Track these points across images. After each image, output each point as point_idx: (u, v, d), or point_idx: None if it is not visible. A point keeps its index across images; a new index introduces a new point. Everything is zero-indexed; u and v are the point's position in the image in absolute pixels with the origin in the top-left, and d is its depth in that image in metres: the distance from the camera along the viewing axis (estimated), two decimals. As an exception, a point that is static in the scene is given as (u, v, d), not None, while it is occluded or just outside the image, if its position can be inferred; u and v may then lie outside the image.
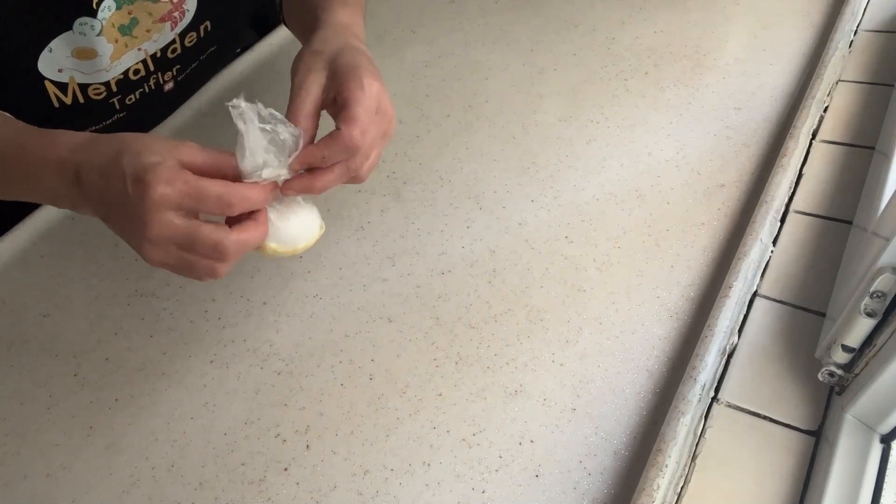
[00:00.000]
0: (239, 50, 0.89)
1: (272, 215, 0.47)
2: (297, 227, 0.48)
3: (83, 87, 0.66)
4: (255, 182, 0.44)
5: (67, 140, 0.46)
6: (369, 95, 0.46)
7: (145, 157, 0.42)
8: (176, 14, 0.68)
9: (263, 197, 0.44)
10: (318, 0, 0.58)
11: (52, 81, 0.63)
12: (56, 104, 0.65)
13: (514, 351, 0.56)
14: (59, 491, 0.51)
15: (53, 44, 0.60)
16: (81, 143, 0.45)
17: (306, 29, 0.57)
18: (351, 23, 0.54)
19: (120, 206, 0.43)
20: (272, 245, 0.48)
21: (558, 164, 0.70)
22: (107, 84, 0.67)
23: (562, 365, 0.54)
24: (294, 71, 0.48)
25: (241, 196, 0.43)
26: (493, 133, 0.75)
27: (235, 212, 0.43)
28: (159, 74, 0.73)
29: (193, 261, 0.44)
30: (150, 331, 0.60)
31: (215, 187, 0.42)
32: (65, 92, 0.65)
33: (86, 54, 0.63)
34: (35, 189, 0.48)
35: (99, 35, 0.62)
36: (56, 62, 0.62)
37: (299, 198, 0.49)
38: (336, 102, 0.47)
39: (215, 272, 0.44)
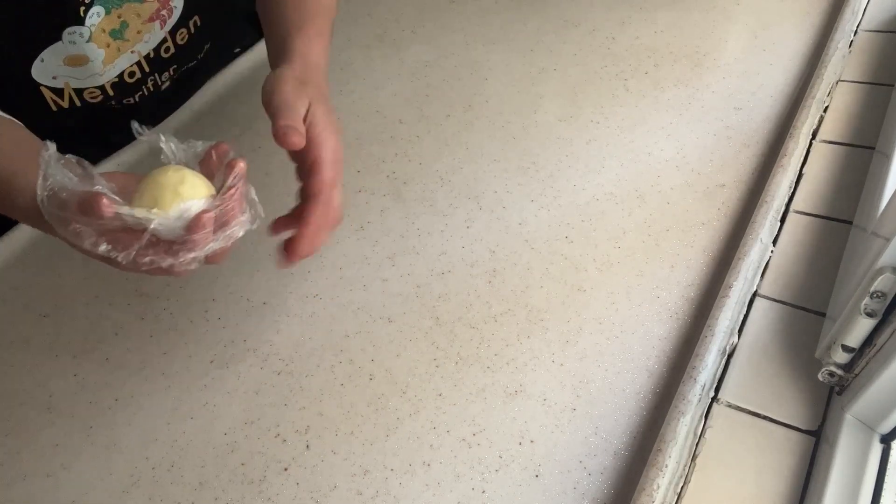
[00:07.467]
0: (238, 50, 0.89)
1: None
2: None
3: (78, 92, 0.67)
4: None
5: (23, 201, 0.47)
6: (332, 151, 0.51)
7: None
8: (164, 12, 0.68)
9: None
10: (292, 15, 0.59)
11: (47, 87, 0.64)
12: (54, 108, 0.66)
13: (514, 351, 0.56)
14: (59, 491, 0.51)
15: (45, 54, 0.61)
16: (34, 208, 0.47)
17: (275, 32, 0.59)
18: (322, 63, 0.57)
19: None
20: None
21: (558, 164, 0.70)
22: (102, 88, 0.68)
23: (562, 365, 0.54)
24: (281, 91, 0.50)
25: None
26: (493, 133, 0.75)
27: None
28: (156, 75, 0.73)
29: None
30: (150, 331, 0.60)
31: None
32: (61, 97, 0.66)
33: (78, 61, 0.64)
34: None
35: (89, 42, 0.62)
36: (49, 70, 0.63)
37: None
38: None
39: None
